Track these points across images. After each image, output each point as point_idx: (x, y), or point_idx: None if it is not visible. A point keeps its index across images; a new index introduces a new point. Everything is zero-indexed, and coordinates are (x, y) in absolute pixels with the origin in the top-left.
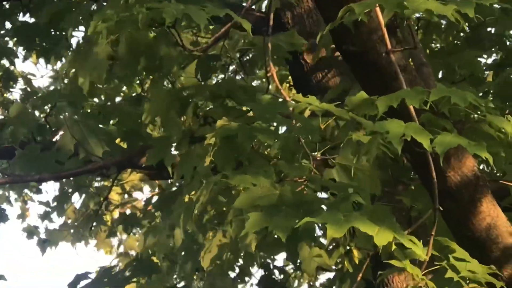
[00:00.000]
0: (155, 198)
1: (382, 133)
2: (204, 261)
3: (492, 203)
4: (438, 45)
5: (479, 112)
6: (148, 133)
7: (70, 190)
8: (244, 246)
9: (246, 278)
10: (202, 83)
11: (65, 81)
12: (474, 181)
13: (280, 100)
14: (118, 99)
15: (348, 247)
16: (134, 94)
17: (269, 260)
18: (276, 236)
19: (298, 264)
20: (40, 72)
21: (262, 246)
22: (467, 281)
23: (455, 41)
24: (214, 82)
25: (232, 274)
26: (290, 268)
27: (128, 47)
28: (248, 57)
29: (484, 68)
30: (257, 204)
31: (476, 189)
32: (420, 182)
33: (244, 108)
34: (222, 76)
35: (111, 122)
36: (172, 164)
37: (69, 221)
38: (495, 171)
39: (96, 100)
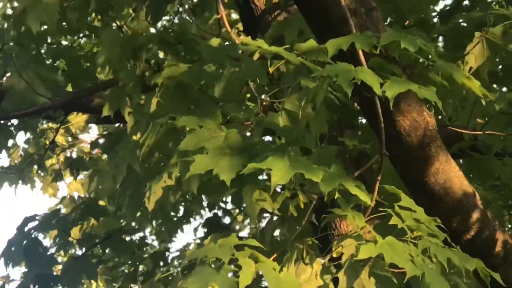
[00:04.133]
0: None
1: (331, 77)
2: (149, 203)
3: (441, 148)
4: None
5: (430, 57)
6: (96, 76)
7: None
8: (188, 188)
9: (191, 219)
10: (153, 28)
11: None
12: (423, 126)
13: (230, 43)
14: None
15: (293, 191)
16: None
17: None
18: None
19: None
20: None
21: (207, 189)
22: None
23: None
24: (165, 25)
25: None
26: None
27: None
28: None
29: (434, 15)
30: (202, 146)
31: (425, 134)
32: (368, 125)
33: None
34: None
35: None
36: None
37: (15, 163)
38: (442, 117)
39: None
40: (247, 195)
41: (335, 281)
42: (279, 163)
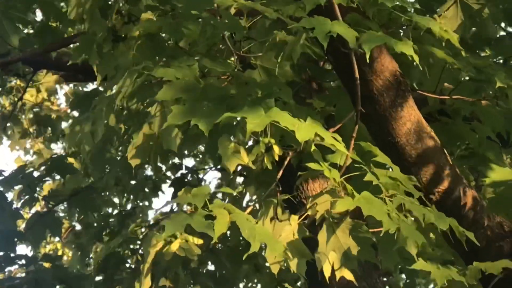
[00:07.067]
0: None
1: (308, 30)
2: (129, 152)
3: (413, 108)
4: None
5: (409, 10)
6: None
7: None
8: (167, 141)
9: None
10: None
11: None
12: (396, 86)
13: None
14: None
15: (268, 144)
16: None
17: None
18: (197, 131)
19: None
20: None
21: (183, 140)
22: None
23: None
24: None
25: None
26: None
27: None
28: None
29: None
30: (180, 97)
31: (397, 93)
32: (337, 85)
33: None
34: None
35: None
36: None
37: None
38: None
39: None
40: (223, 147)
41: (307, 239)
42: (255, 112)
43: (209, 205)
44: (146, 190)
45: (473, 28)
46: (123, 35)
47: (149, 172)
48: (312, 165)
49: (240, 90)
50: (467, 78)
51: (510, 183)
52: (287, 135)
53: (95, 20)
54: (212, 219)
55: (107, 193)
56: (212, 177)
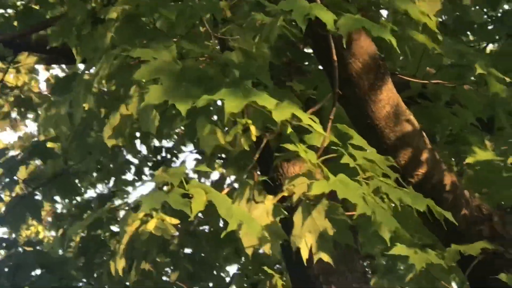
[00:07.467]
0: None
1: (286, 12)
2: (105, 132)
3: (392, 92)
4: None
5: None
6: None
7: None
8: (145, 122)
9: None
10: None
11: None
12: (375, 69)
13: None
14: None
15: (245, 125)
16: None
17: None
18: (174, 112)
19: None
20: None
21: (161, 121)
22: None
23: None
24: None
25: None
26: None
27: None
28: None
29: None
30: (157, 77)
31: (376, 76)
32: (316, 68)
33: None
34: None
35: None
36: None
37: None
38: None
39: None
40: (201, 127)
41: (284, 220)
42: (233, 94)
43: (185, 184)
44: (128, 174)
45: (456, 13)
46: (102, 17)
47: (131, 158)
48: (288, 146)
49: (218, 72)
50: (449, 62)
51: (487, 162)
52: (266, 117)
53: (74, 2)
54: (189, 199)
55: (88, 177)
56: (192, 160)
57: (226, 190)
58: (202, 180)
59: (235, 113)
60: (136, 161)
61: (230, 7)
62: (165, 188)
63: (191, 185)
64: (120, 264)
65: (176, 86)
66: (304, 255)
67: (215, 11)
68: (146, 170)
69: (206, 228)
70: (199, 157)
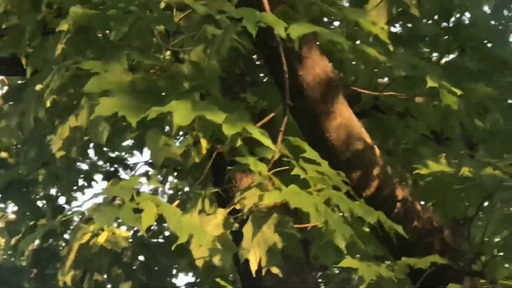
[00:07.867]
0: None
1: (237, 22)
2: (55, 144)
3: (343, 105)
4: None
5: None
6: None
7: None
8: (95, 134)
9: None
10: None
11: None
12: (326, 81)
13: None
14: None
15: (196, 137)
16: None
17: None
18: (125, 124)
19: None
20: None
21: (111, 133)
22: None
23: None
24: None
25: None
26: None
27: None
28: None
29: None
30: (108, 90)
31: (328, 89)
32: (269, 80)
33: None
34: None
35: None
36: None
37: None
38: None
39: None
40: (151, 140)
41: (235, 233)
42: (182, 106)
43: (136, 198)
44: (80, 182)
45: (409, 24)
46: (54, 29)
47: (84, 166)
48: (239, 159)
49: (168, 83)
50: (402, 74)
51: (439, 173)
52: (217, 129)
53: (25, 13)
54: (140, 212)
55: (42, 186)
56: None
57: (176, 202)
58: (160, 189)
59: (183, 126)
60: (86, 166)
61: (182, 18)
62: (117, 200)
63: (142, 198)
64: (67, 277)
65: (126, 98)
66: (253, 267)
67: (166, 23)
68: (97, 176)
69: (160, 238)
70: (150, 169)
